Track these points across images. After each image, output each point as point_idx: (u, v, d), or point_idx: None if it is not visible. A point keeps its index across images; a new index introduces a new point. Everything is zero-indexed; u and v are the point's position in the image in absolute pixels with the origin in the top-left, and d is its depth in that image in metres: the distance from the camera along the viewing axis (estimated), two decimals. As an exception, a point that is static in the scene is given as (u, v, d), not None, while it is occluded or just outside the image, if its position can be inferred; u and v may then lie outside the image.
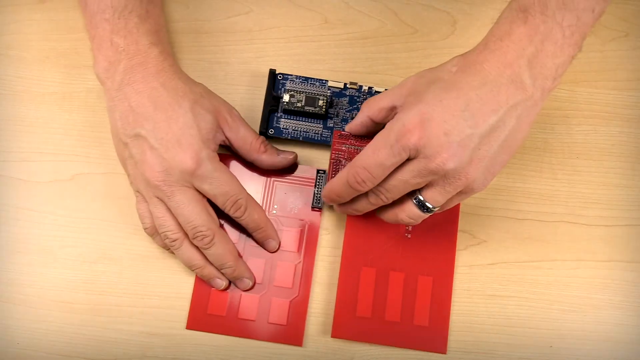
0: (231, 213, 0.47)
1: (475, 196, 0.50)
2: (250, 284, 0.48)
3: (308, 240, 0.49)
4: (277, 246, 0.49)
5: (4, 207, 0.50)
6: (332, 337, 0.48)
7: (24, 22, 0.53)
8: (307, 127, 0.51)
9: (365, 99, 0.50)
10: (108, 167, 0.51)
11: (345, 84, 0.51)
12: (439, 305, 0.48)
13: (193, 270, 0.48)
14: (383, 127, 0.42)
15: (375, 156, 0.41)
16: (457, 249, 0.50)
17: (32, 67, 0.52)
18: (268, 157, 0.49)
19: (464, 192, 0.42)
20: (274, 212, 0.50)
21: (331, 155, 0.48)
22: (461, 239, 0.50)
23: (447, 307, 0.48)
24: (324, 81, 0.51)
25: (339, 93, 0.51)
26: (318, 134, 0.51)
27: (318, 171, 0.50)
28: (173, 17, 0.53)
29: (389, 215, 0.45)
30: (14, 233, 0.50)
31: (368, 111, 0.45)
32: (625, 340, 0.49)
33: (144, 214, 0.47)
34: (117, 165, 0.50)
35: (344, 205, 0.46)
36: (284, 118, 0.51)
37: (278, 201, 0.50)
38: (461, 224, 0.50)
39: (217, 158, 0.46)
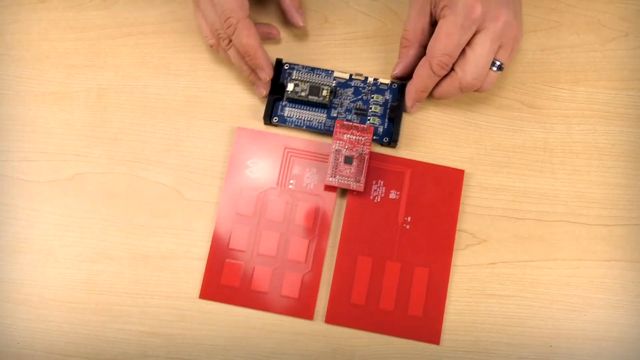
0: (224, 29, 0.48)
1: (475, 196, 0.50)
2: (267, 78, 0.50)
3: (322, 216, 0.49)
4: (268, 77, 0.50)
5: (4, 207, 0.50)
6: (325, 322, 0.48)
7: (24, 22, 0.53)
8: (311, 116, 0.51)
9: (371, 90, 0.52)
10: (108, 167, 0.51)
11: (350, 75, 0.52)
12: (434, 296, 0.48)
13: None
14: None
15: (451, 40, 0.46)
16: (457, 248, 0.50)
17: (32, 67, 0.52)
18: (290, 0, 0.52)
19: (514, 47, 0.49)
20: (290, 187, 0.50)
21: (332, 144, 0.49)
22: (461, 239, 0.50)
23: (442, 298, 0.48)
24: (330, 72, 0.52)
25: (344, 84, 0.52)
26: (321, 123, 0.51)
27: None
28: (173, 17, 0.53)
29: (451, 88, 0.49)
30: (14, 233, 0.50)
31: (416, 42, 0.50)
32: (625, 340, 0.49)
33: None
34: (117, 165, 0.50)
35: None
36: (289, 107, 0.51)
37: (294, 176, 0.50)
38: (461, 223, 0.50)
39: None
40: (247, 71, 0.50)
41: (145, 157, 0.51)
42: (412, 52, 0.51)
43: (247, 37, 0.48)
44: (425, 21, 0.49)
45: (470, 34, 0.47)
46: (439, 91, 0.50)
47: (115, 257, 0.49)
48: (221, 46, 0.50)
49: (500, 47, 0.48)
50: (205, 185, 0.50)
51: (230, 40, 0.48)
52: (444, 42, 0.47)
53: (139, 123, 0.51)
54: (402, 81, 0.52)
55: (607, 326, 0.49)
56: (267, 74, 0.50)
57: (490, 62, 0.48)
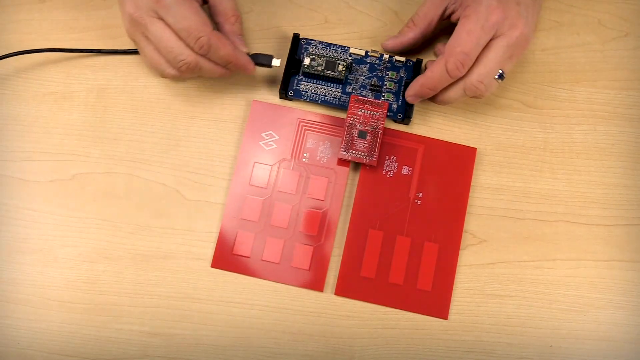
0: (196, 51, 0.46)
1: (475, 196, 0.50)
2: (254, 71, 0.49)
3: (335, 190, 0.50)
4: (254, 70, 0.49)
5: (4, 207, 0.50)
6: (335, 294, 0.48)
7: (24, 22, 0.53)
8: (326, 91, 0.52)
9: (386, 67, 0.52)
10: (108, 167, 0.51)
11: (366, 52, 0.52)
12: (443, 271, 0.49)
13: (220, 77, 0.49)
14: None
15: (472, 38, 0.45)
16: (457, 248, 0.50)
17: (32, 67, 0.52)
18: (234, 39, 0.49)
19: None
20: (304, 159, 0.50)
21: (347, 119, 0.49)
22: (461, 239, 0.50)
23: (451, 274, 0.49)
24: (346, 47, 0.52)
25: (360, 60, 0.52)
26: (336, 98, 0.52)
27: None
28: (173, 17, 0.53)
29: (455, 88, 0.48)
30: (14, 233, 0.50)
31: (420, 28, 0.50)
32: (625, 340, 0.49)
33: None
34: (117, 165, 0.50)
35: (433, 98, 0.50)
36: (304, 81, 0.52)
37: (308, 149, 0.51)
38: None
39: None
40: (228, 73, 0.49)
41: (145, 157, 0.51)
42: (411, 35, 0.50)
43: (223, 48, 0.47)
44: (437, 13, 0.49)
45: (488, 38, 0.46)
46: (442, 94, 0.49)
47: (115, 257, 0.49)
48: (184, 72, 0.48)
49: (509, 56, 0.47)
50: (206, 185, 0.50)
51: (196, 63, 0.47)
52: (464, 39, 0.46)
53: (139, 123, 0.51)
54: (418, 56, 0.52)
55: (607, 326, 0.49)
56: (252, 70, 0.49)
57: (499, 69, 0.47)
